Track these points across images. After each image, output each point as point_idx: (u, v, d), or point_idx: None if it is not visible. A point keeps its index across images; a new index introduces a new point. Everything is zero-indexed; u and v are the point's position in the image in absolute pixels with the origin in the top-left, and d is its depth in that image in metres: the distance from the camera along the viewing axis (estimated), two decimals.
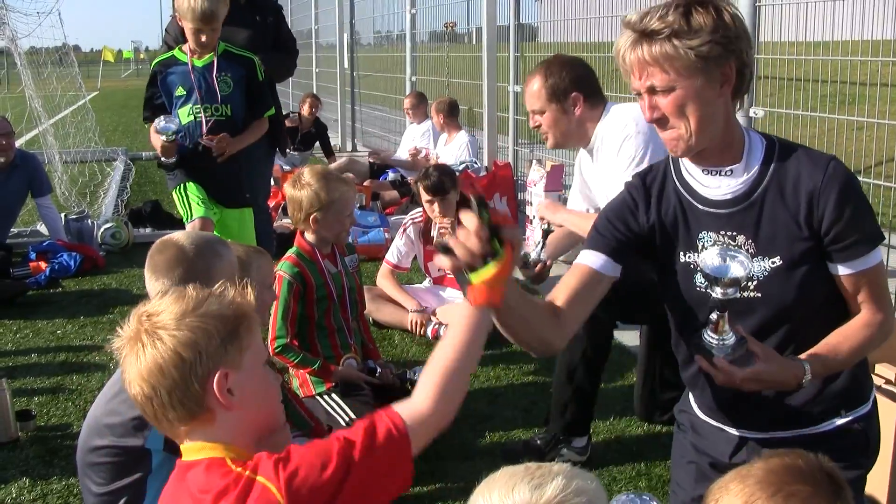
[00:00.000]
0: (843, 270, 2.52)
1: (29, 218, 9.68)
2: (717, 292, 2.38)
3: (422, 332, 6.10)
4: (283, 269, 4.61)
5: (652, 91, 2.46)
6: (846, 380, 2.65)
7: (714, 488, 2.06)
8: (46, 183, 8.69)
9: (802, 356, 2.51)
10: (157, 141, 5.57)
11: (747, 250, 2.56)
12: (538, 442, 4.24)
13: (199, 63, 5.67)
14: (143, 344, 1.98)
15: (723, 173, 2.58)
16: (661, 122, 2.50)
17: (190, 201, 5.82)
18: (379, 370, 4.74)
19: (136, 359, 1.99)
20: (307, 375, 4.62)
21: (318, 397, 4.55)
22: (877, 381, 3.64)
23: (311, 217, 4.61)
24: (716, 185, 2.59)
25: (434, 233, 6.08)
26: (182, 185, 5.81)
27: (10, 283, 7.40)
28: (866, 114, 5.87)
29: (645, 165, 3.80)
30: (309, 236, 4.72)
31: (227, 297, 2.08)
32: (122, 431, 2.85)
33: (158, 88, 5.77)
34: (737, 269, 2.36)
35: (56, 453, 4.42)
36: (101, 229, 8.86)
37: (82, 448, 3.05)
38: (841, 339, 2.55)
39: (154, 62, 5.91)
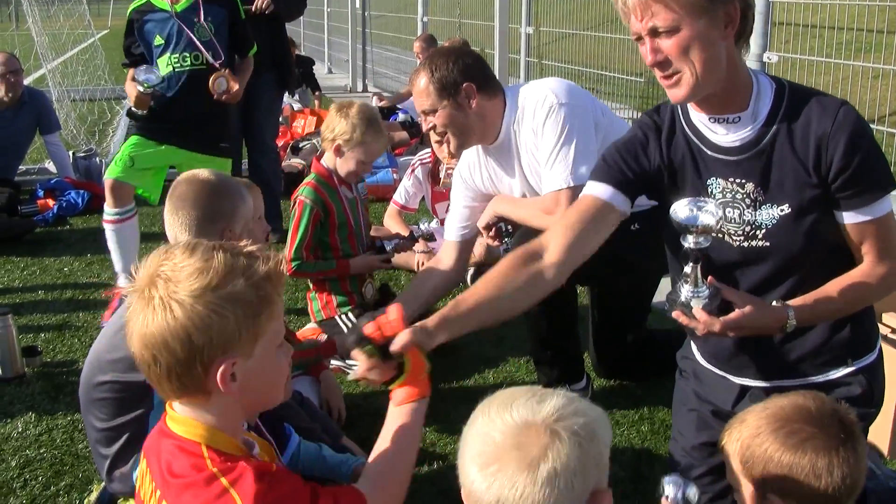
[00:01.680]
0: (848, 218, 2.48)
1: (37, 155, 9.67)
2: (690, 241, 2.38)
3: None
4: (304, 194, 4.62)
5: (654, 33, 2.38)
6: (853, 329, 2.63)
7: (733, 420, 2.10)
8: (55, 120, 8.65)
9: (791, 302, 2.50)
10: (133, 90, 5.36)
11: (755, 198, 2.53)
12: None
13: (178, 8, 5.37)
14: (154, 308, 1.85)
15: (729, 121, 2.53)
16: (663, 65, 2.42)
17: (116, 157, 5.55)
18: (391, 245, 4.78)
19: (142, 319, 1.87)
20: (332, 296, 4.70)
21: (337, 317, 4.64)
22: (882, 330, 3.63)
23: (336, 145, 4.61)
24: (723, 132, 2.55)
25: (442, 174, 6.05)
26: (129, 137, 5.60)
27: (17, 220, 7.41)
28: (882, 61, 5.79)
29: (575, 142, 3.69)
30: (327, 161, 4.71)
31: (258, 275, 1.91)
32: (124, 367, 2.85)
33: (136, 37, 5.53)
34: (706, 218, 2.35)
35: (61, 389, 4.44)
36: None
37: (85, 384, 3.06)
38: (835, 288, 2.53)
39: (130, 8, 5.58)
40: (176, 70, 5.38)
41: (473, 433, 1.70)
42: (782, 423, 2.00)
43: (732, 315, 2.42)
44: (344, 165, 4.67)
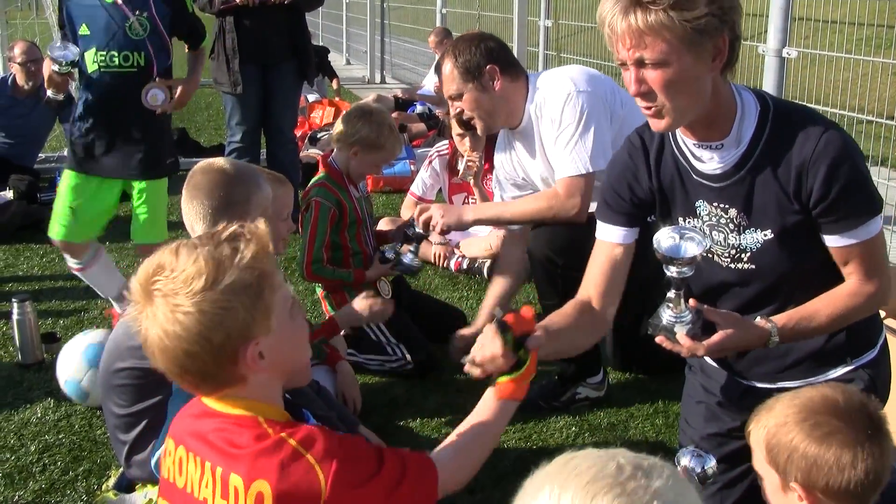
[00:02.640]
0: (832, 242, 2.49)
1: (56, 143, 9.72)
2: (673, 271, 2.39)
3: (445, 265, 6.12)
4: (319, 195, 4.61)
5: (640, 64, 2.36)
6: (851, 329, 2.64)
7: (761, 407, 2.12)
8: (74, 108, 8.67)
9: (775, 318, 2.51)
10: (47, 69, 4.69)
11: (739, 223, 2.54)
12: (552, 386, 4.21)
13: None
14: (163, 326, 1.86)
15: (713, 147, 2.53)
16: (647, 96, 2.41)
17: (56, 210, 4.86)
18: (390, 254, 4.77)
19: (156, 336, 1.89)
20: (346, 293, 4.70)
21: None
22: None
23: (355, 148, 4.64)
24: (708, 158, 2.56)
25: (461, 166, 6.05)
26: (65, 175, 4.88)
27: (37, 207, 7.43)
28: None
29: (593, 130, 3.75)
30: (338, 160, 4.72)
31: (246, 257, 1.90)
32: (143, 354, 2.87)
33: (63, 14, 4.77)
34: (691, 248, 2.35)
35: None
36: None
37: (105, 370, 3.09)
38: (820, 305, 2.53)
39: None
40: (102, 70, 4.67)
41: None
42: (809, 415, 2.00)
43: (715, 338, 2.44)
44: (358, 167, 4.71)
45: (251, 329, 1.91)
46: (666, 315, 2.48)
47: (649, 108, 2.43)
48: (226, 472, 1.94)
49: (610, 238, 2.82)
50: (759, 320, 2.51)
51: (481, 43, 3.97)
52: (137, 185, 4.82)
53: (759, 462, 2.10)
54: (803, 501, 2.01)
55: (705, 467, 2.34)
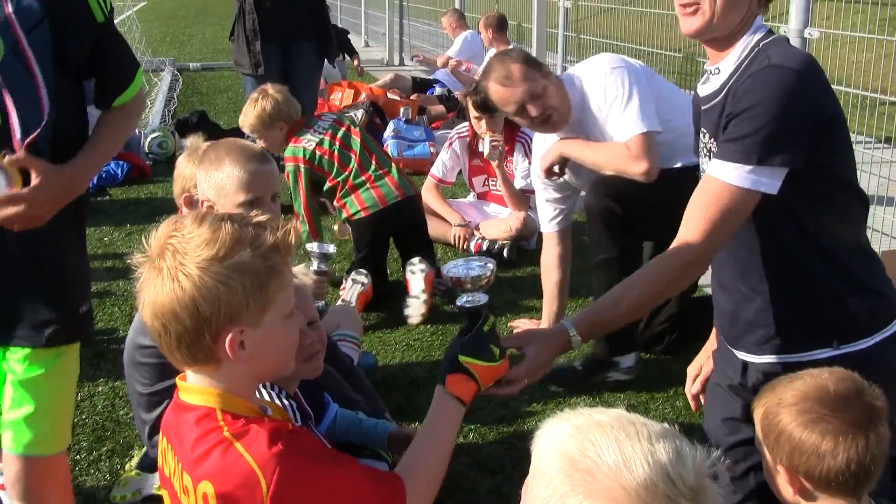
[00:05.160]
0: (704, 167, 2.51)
1: None
2: (464, 299, 2.40)
3: (465, 247, 6.12)
4: None
5: None
6: (835, 310, 2.52)
7: (766, 387, 2.17)
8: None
9: (574, 316, 2.57)
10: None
11: (710, 150, 2.55)
12: (580, 367, 4.21)
13: None
14: (163, 279, 1.87)
15: (712, 72, 2.56)
16: (691, 4, 2.43)
17: None
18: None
19: (153, 289, 1.90)
20: None
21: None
22: None
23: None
24: (707, 82, 2.59)
25: (486, 148, 6.01)
26: None
27: None
28: None
29: (636, 94, 3.86)
30: None
31: (265, 245, 1.91)
32: None
33: None
34: (476, 272, 2.39)
35: (102, 356, 4.50)
36: (148, 138, 8.89)
37: (129, 347, 3.13)
38: (623, 288, 2.58)
39: None
40: None
41: (581, 439, 1.42)
42: (799, 399, 2.04)
43: (525, 363, 2.50)
44: None
45: (242, 314, 1.90)
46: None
47: (685, 7, 2.45)
48: (182, 468, 1.98)
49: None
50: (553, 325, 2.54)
51: (521, 50, 4.27)
52: (20, 354, 2.51)
53: (758, 439, 2.15)
54: (788, 485, 2.06)
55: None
